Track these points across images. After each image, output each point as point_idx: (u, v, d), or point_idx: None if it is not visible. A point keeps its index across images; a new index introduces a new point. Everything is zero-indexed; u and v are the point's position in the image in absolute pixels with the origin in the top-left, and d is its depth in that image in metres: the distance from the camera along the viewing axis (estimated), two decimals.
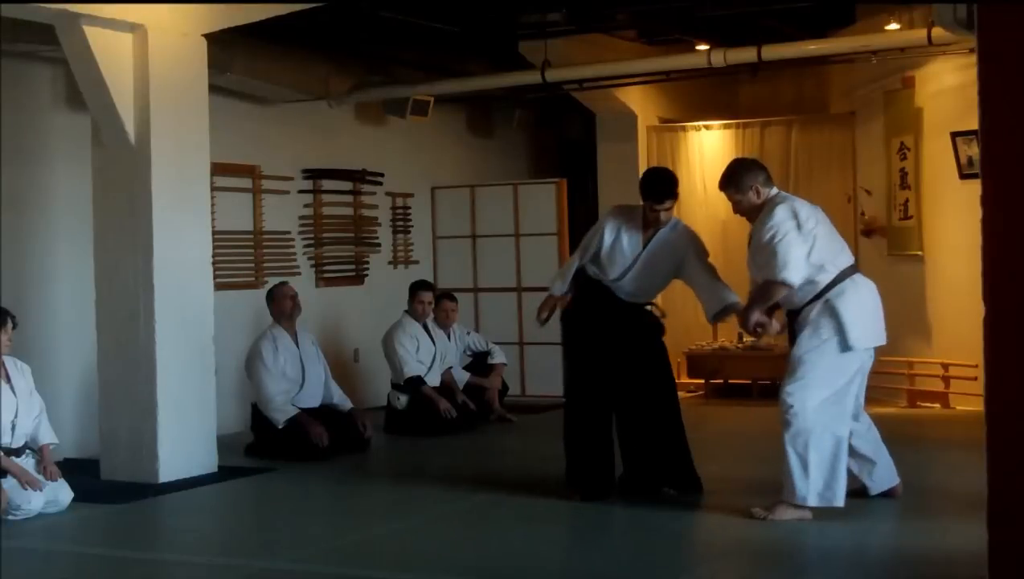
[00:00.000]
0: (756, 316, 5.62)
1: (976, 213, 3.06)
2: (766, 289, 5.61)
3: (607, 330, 6.18)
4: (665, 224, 6.11)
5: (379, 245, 10.65)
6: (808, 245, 5.57)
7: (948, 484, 6.42)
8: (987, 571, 3.08)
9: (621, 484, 6.21)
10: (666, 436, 6.16)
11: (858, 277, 5.76)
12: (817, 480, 5.48)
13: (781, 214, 5.59)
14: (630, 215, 6.19)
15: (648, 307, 6.34)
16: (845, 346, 5.57)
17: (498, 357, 9.71)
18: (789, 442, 5.49)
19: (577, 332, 6.32)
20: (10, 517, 5.94)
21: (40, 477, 6.14)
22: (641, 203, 6.11)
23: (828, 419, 5.53)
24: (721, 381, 10.91)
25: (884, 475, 5.99)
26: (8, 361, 6.28)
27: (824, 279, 5.63)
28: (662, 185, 6.09)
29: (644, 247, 6.11)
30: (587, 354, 6.23)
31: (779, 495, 5.56)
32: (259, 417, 7.97)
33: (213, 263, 7.56)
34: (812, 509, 5.50)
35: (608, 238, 6.16)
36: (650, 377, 6.18)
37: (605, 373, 6.14)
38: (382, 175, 10.64)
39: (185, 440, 7.07)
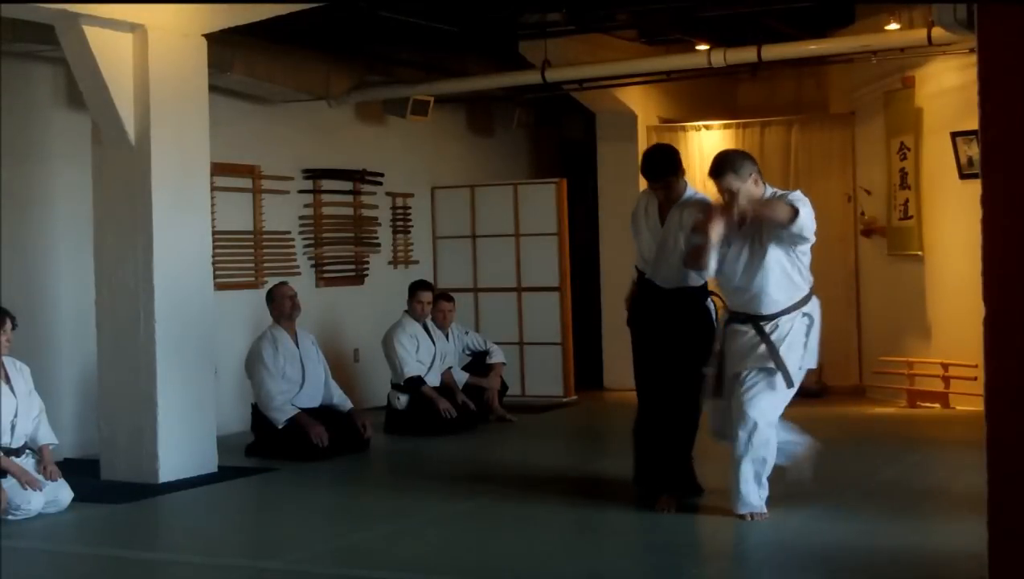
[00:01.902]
0: (747, 203, 5.36)
1: (976, 213, 3.06)
2: (777, 204, 5.36)
3: (651, 322, 6.00)
4: (678, 200, 5.89)
5: (379, 245, 10.65)
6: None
7: (948, 484, 6.42)
8: (987, 571, 3.07)
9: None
10: (674, 441, 5.95)
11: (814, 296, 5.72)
12: (766, 489, 5.57)
13: (803, 196, 5.53)
14: (649, 197, 6.05)
15: (709, 298, 6.08)
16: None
17: (497, 356, 9.70)
18: (749, 457, 5.48)
19: (632, 326, 6.16)
20: (10, 517, 5.94)
21: (40, 477, 6.14)
22: None
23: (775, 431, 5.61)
24: None
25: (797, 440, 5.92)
26: (7, 361, 6.28)
27: (805, 289, 5.60)
28: (652, 163, 5.95)
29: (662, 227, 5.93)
30: (638, 348, 6.09)
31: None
32: (259, 417, 7.97)
33: (213, 263, 7.57)
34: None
35: (635, 224, 6.07)
36: (677, 377, 5.90)
37: (653, 367, 5.95)
38: (382, 175, 10.64)
39: (185, 440, 7.07)
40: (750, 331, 5.57)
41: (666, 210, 5.94)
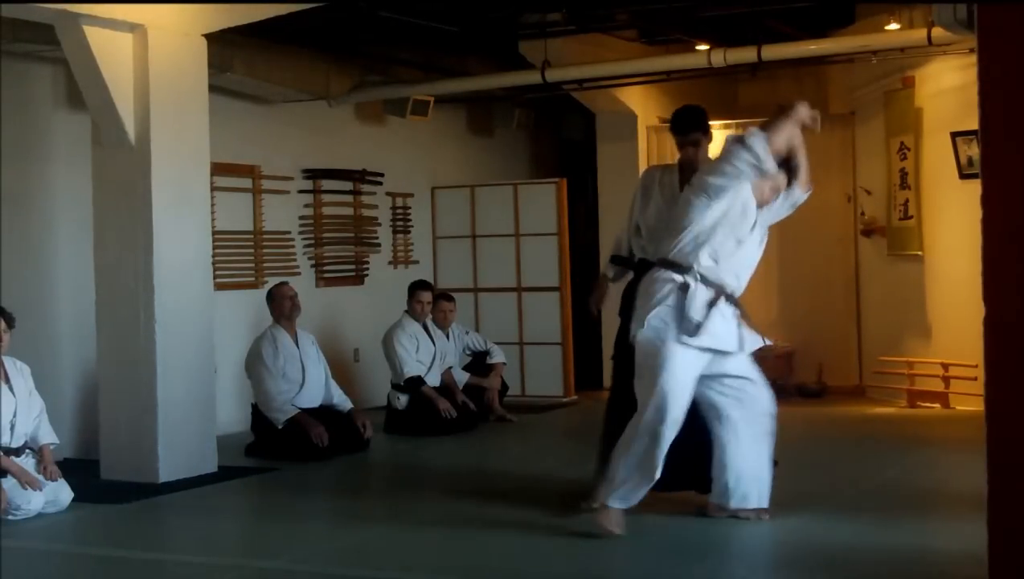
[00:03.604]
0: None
1: (976, 213, 3.06)
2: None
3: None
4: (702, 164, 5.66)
5: (379, 245, 10.65)
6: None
7: (948, 484, 6.42)
8: (987, 571, 3.08)
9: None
10: (688, 436, 5.46)
11: None
12: (767, 486, 5.54)
13: None
14: (664, 169, 5.96)
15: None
16: None
17: (497, 356, 9.71)
18: (757, 455, 5.43)
19: (624, 314, 5.86)
20: (10, 517, 5.94)
21: (40, 477, 6.14)
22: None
23: None
24: None
25: None
26: (7, 361, 6.28)
27: None
28: (684, 118, 5.87)
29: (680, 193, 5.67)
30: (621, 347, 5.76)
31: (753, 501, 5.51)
32: (259, 417, 7.97)
33: (213, 263, 7.57)
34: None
35: (642, 199, 5.92)
36: None
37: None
38: (382, 175, 10.64)
39: (185, 440, 7.07)
40: (727, 307, 5.24)
41: (686, 177, 5.67)
